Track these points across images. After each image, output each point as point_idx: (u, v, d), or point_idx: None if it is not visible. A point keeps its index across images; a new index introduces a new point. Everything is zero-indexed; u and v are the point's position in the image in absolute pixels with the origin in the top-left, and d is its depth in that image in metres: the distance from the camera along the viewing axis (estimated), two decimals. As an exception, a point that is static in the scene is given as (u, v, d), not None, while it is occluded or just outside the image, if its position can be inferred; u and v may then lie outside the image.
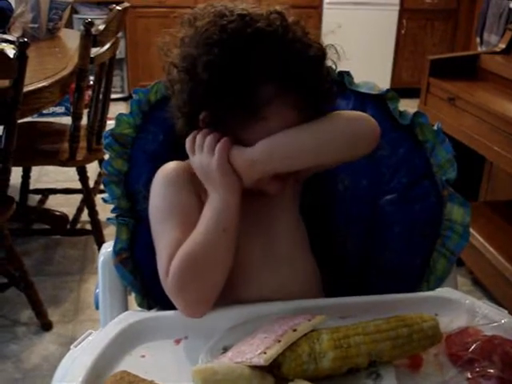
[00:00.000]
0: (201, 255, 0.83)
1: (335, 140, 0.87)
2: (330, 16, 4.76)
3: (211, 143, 0.85)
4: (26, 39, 1.77)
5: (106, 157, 0.99)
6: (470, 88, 2.27)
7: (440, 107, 2.31)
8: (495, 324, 0.83)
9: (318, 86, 0.85)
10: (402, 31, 4.88)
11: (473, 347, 0.78)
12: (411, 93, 3.27)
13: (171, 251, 0.85)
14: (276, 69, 0.82)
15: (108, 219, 0.97)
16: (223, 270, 0.85)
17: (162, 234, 0.88)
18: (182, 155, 0.98)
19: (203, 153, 0.86)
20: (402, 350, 0.75)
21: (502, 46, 2.36)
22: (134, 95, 1.01)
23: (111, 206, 0.98)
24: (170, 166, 0.94)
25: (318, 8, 4.75)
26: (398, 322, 0.76)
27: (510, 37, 2.33)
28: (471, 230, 0.99)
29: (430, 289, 0.98)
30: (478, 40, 4.48)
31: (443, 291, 0.95)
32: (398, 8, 4.82)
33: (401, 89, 1.01)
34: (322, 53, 0.87)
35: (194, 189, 0.92)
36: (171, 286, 0.83)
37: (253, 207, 0.92)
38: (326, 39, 0.91)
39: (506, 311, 0.89)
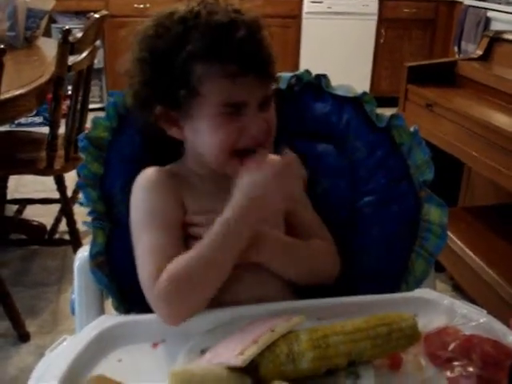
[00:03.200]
0: (203, 269, 0.83)
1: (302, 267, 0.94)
2: (309, 26, 4.80)
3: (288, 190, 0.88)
4: (2, 46, 1.75)
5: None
6: (447, 94, 2.29)
7: (418, 113, 2.33)
8: (474, 323, 0.83)
9: (240, 51, 0.85)
10: (381, 40, 4.93)
11: (452, 346, 0.78)
12: (390, 101, 3.29)
13: (158, 257, 0.85)
14: (196, 47, 0.85)
15: (84, 223, 0.96)
16: (217, 287, 0.85)
17: (145, 239, 0.88)
18: (159, 158, 0.98)
19: (271, 183, 0.86)
20: (382, 349, 0.75)
21: (479, 52, 2.39)
22: (109, 98, 1.00)
23: (90, 216, 0.97)
24: (151, 171, 0.94)
25: (296, 18, 4.78)
26: (376, 321, 0.76)
27: (487, 43, 2.36)
28: (451, 235, 0.99)
29: (408, 290, 0.98)
30: (455, 49, 4.55)
31: (422, 292, 0.95)
32: (376, 18, 4.87)
33: (380, 97, 1.02)
34: (238, 20, 0.87)
35: (175, 193, 0.92)
36: (162, 293, 0.82)
37: None
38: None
39: (485, 311, 0.89)
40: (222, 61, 0.85)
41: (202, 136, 0.90)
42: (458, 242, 2.00)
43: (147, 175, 0.93)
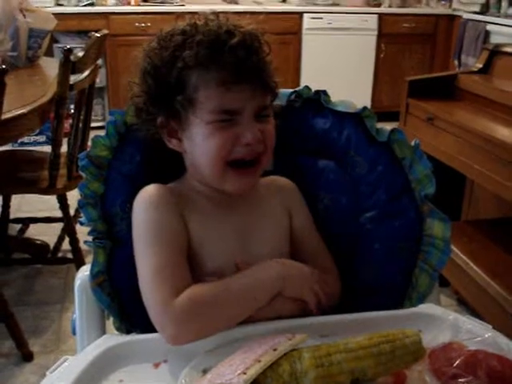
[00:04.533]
0: (223, 304, 0.85)
1: None
2: (309, 42, 4.82)
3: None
4: (4, 66, 1.76)
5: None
6: (448, 107, 2.29)
7: (419, 127, 2.33)
8: (479, 339, 0.82)
9: (234, 58, 0.87)
10: (381, 55, 4.95)
11: (457, 362, 0.76)
12: (391, 116, 3.29)
13: (168, 278, 0.85)
14: (192, 54, 0.87)
15: (85, 242, 0.95)
16: (230, 326, 0.85)
17: (151, 259, 0.87)
18: (159, 176, 0.98)
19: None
20: (386, 366, 0.74)
21: (479, 65, 2.39)
22: (109, 117, 1.01)
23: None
24: (152, 188, 0.94)
25: (297, 34, 4.80)
26: (379, 338, 0.75)
27: (487, 56, 2.36)
28: (455, 249, 0.99)
29: (412, 305, 0.97)
30: (455, 63, 4.56)
31: (426, 307, 0.94)
32: (376, 33, 4.89)
33: (381, 112, 1.02)
34: (234, 30, 0.89)
35: (176, 211, 0.92)
36: (179, 311, 0.82)
37: (238, 224, 0.94)
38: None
39: (490, 326, 0.88)
40: (217, 68, 0.87)
41: (198, 145, 0.91)
42: (462, 256, 1.98)
43: (149, 192, 0.93)
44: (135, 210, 0.92)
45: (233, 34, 0.88)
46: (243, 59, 0.87)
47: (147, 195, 0.93)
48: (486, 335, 0.83)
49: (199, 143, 0.90)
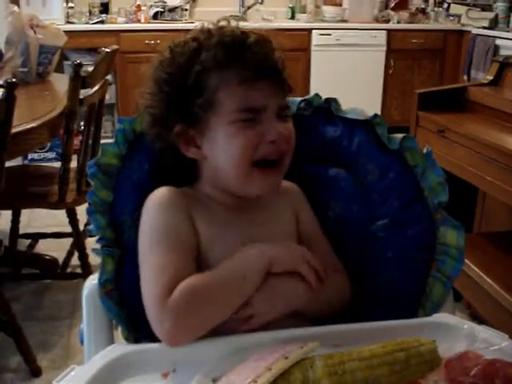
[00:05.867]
0: (215, 292, 0.84)
1: None
2: (318, 58, 4.83)
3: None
4: (14, 80, 1.77)
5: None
6: (458, 119, 2.28)
7: (430, 140, 2.31)
8: (496, 347, 0.80)
9: (253, 55, 0.88)
10: (390, 71, 4.95)
11: (474, 371, 0.74)
12: (401, 131, 3.24)
13: (169, 274, 0.83)
14: (209, 56, 0.88)
15: (93, 250, 0.94)
16: (226, 314, 0.84)
17: (154, 257, 0.86)
18: (168, 184, 0.97)
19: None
20: (400, 375, 0.72)
21: (490, 77, 2.38)
22: (118, 125, 1.00)
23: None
24: (162, 191, 0.93)
25: (305, 51, 4.81)
26: (394, 346, 0.73)
27: (497, 68, 2.35)
28: (468, 262, 0.97)
29: (426, 315, 0.95)
30: (465, 78, 4.55)
31: (440, 316, 0.91)
32: (384, 49, 4.89)
33: (391, 127, 1.02)
34: (248, 32, 0.91)
35: (185, 213, 0.91)
36: (171, 307, 0.80)
37: (248, 228, 0.93)
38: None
39: (507, 335, 0.86)
40: (237, 67, 0.88)
41: (221, 147, 0.90)
42: (475, 269, 1.96)
43: (159, 194, 0.93)
44: (144, 212, 0.92)
45: (248, 34, 0.89)
46: (263, 56, 0.89)
47: (157, 197, 0.92)
48: (503, 344, 0.81)
49: (222, 145, 0.90)
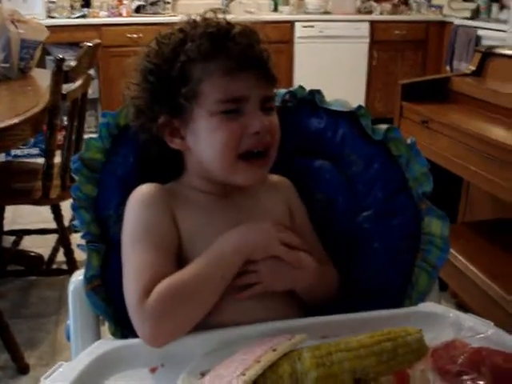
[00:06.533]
0: (192, 291, 0.83)
1: None
2: (302, 50, 4.83)
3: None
4: (-6, 76, 1.75)
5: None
6: (442, 110, 2.29)
7: (414, 130, 2.32)
8: (482, 335, 0.81)
9: (236, 46, 0.88)
10: (373, 62, 4.96)
11: (461, 360, 0.75)
12: (385, 122, 3.26)
13: (148, 275, 0.83)
14: (194, 47, 0.88)
15: (78, 245, 0.93)
16: (205, 311, 0.84)
17: (136, 257, 0.86)
18: (154, 178, 0.96)
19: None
20: (388, 365, 0.72)
21: (472, 68, 2.39)
22: (102, 119, 0.99)
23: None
24: (145, 188, 0.93)
25: (289, 43, 4.80)
26: (381, 336, 0.73)
27: (479, 59, 2.36)
28: (453, 252, 0.98)
29: (412, 305, 0.96)
30: (447, 68, 4.57)
31: (426, 306, 0.92)
32: (368, 40, 4.90)
33: (375, 119, 1.02)
34: (234, 24, 0.91)
35: (168, 211, 0.91)
36: (150, 310, 0.80)
37: (235, 218, 0.92)
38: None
39: (492, 323, 0.87)
40: (221, 57, 0.87)
41: (204, 140, 0.90)
42: (460, 258, 1.97)
43: (142, 191, 0.92)
44: (127, 209, 0.92)
45: (233, 25, 0.89)
46: (247, 47, 0.88)
47: (140, 194, 0.92)
48: (489, 332, 0.82)
49: (205, 137, 0.89)
